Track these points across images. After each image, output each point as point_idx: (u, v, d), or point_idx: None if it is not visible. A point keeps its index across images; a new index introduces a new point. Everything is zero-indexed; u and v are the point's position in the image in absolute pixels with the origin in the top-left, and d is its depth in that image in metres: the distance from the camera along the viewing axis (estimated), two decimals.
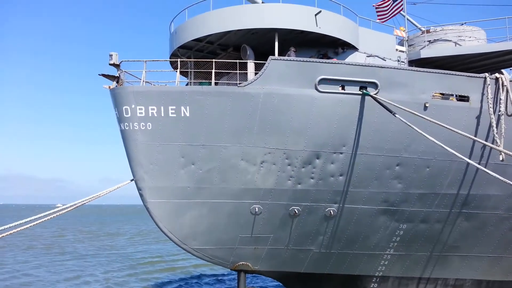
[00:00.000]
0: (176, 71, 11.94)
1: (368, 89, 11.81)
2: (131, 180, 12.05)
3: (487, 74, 12.81)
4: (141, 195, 11.66)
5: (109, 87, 11.52)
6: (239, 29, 12.19)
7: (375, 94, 11.72)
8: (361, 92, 11.77)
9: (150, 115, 11.15)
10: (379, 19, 14.84)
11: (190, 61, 12.97)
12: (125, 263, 27.34)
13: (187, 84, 13.42)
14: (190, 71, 13.18)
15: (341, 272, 13.63)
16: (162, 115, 11.18)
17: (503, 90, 12.80)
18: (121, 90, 11.30)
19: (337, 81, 11.77)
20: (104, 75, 11.53)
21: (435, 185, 12.85)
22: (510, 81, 12.94)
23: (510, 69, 16.75)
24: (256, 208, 12.01)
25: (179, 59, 12.36)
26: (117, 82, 11.51)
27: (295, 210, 12.27)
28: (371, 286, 14.08)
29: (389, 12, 14.68)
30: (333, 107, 11.72)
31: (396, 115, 11.19)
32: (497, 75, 12.96)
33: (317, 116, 11.65)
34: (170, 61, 14.05)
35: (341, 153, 12.03)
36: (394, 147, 12.23)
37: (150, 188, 11.48)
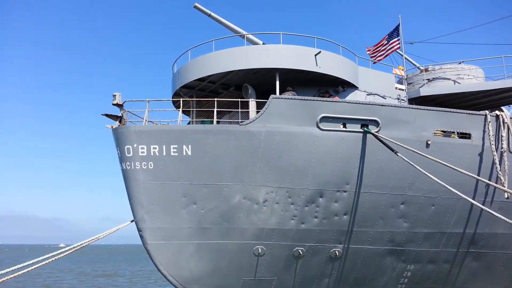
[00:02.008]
0: (179, 110, 12.00)
1: (370, 127, 11.85)
2: (132, 221, 11.81)
3: (487, 112, 12.91)
4: (141, 237, 11.38)
5: (112, 126, 11.54)
6: (241, 69, 12.39)
7: (376, 132, 11.74)
8: (362, 130, 11.78)
9: (152, 154, 11.10)
10: (373, 58, 15.21)
11: (192, 100, 13.08)
12: None
13: (189, 123, 13.47)
14: (192, 110, 13.28)
15: None
16: (164, 154, 11.12)
17: (504, 127, 12.87)
18: (124, 130, 11.31)
19: (338, 119, 11.82)
20: (107, 115, 11.58)
21: (441, 224, 12.60)
22: (510, 118, 13.02)
23: (509, 106, 16.89)
24: (259, 249, 11.68)
25: (181, 99, 12.48)
26: (120, 121, 11.55)
27: (299, 251, 11.93)
28: None
29: (384, 51, 15.03)
30: (335, 145, 11.69)
31: (398, 153, 11.14)
32: (497, 112, 13.08)
33: (319, 154, 11.59)
34: (173, 101, 14.19)
35: (345, 191, 11.87)
36: (398, 185, 12.10)
37: (151, 229, 11.22)
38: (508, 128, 12.86)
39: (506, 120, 12.93)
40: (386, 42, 15.15)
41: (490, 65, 15.80)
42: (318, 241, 12.02)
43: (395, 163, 11.71)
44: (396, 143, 11.32)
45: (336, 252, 12.17)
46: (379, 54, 15.11)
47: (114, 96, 11.40)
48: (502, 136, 12.83)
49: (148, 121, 11.62)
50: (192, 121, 13.16)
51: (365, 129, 11.77)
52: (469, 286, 13.40)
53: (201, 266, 11.48)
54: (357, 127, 11.88)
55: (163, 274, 11.43)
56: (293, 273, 12.12)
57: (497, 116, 12.93)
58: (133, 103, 11.87)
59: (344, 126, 11.87)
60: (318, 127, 11.61)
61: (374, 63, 15.24)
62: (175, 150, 11.11)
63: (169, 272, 11.35)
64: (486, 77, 15.69)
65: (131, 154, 11.13)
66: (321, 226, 11.92)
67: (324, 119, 11.66)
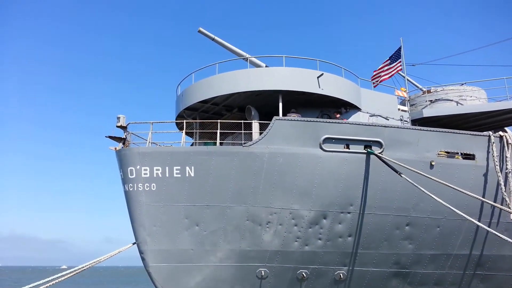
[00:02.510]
0: (182, 132, 12.09)
1: (373, 148, 11.86)
2: (133, 243, 11.74)
3: (491, 132, 12.90)
4: (143, 259, 11.28)
5: (115, 148, 11.62)
6: (244, 91, 12.53)
7: (380, 153, 11.74)
8: (365, 151, 11.79)
9: (154, 175, 11.13)
10: (375, 80, 15.42)
11: (195, 122, 13.19)
12: None
13: (192, 144, 13.55)
14: (196, 132, 13.36)
15: None
16: (167, 175, 11.15)
17: (508, 148, 12.85)
18: (127, 151, 11.38)
19: (341, 140, 11.85)
20: (111, 137, 11.69)
21: (446, 246, 12.43)
22: None
23: None
24: (263, 272, 11.54)
25: (185, 120, 12.58)
26: (123, 143, 11.64)
27: (303, 273, 11.77)
28: None
29: (388, 73, 15.24)
30: (339, 166, 11.68)
31: (401, 174, 11.10)
32: (501, 133, 13.07)
33: (322, 175, 11.58)
34: (176, 123, 14.30)
35: (349, 212, 11.79)
36: (402, 206, 12.01)
37: (153, 251, 11.14)
38: None
39: (510, 141, 12.93)
40: (389, 63, 15.37)
41: (493, 86, 15.83)
42: (322, 264, 11.87)
43: (399, 184, 11.66)
44: (399, 164, 11.30)
45: (341, 274, 12.00)
46: (383, 75, 15.33)
47: (118, 118, 11.54)
48: (506, 156, 12.79)
49: (151, 142, 11.71)
50: (195, 142, 13.23)
51: (369, 150, 11.78)
52: None
53: None
54: (360, 148, 11.89)
55: None
56: None
57: (501, 136, 12.93)
58: (137, 125, 11.99)
59: (347, 147, 11.89)
60: (321, 148, 11.63)
61: (374, 86, 15.45)
62: (178, 171, 11.14)
63: None
64: (489, 98, 15.75)
65: (134, 176, 11.16)
66: (325, 248, 11.80)
67: (327, 140, 11.71)
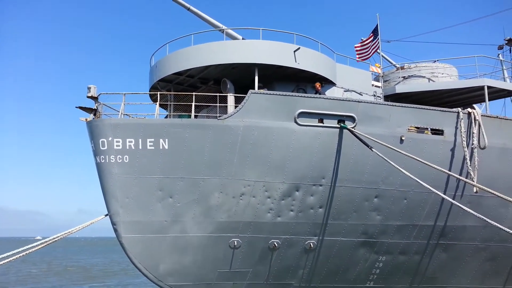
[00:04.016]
0: (156, 104, 11.96)
1: (346, 122, 12.07)
2: (106, 215, 11.78)
3: (460, 109, 13.28)
4: (115, 230, 11.38)
5: (86, 119, 11.43)
6: (220, 63, 12.41)
7: (352, 127, 11.98)
8: (339, 126, 12.01)
9: (127, 147, 11.06)
10: (359, 58, 15.44)
11: (170, 94, 13.05)
12: None
13: (166, 117, 13.44)
14: (170, 104, 13.23)
15: None
16: (140, 147, 11.10)
17: (475, 124, 13.25)
18: (98, 123, 11.23)
19: (316, 115, 12.01)
20: (81, 108, 11.46)
21: (412, 217, 12.99)
22: (481, 115, 13.43)
23: (481, 104, 17.41)
24: (235, 242, 11.84)
25: (159, 92, 12.43)
26: (95, 114, 11.45)
27: (275, 243, 12.15)
28: None
29: (368, 51, 15.30)
30: (312, 140, 11.88)
31: (372, 149, 11.40)
32: (469, 109, 13.45)
33: (296, 149, 11.78)
34: (150, 94, 14.09)
35: (321, 185, 12.11)
36: (372, 179, 12.40)
37: (125, 222, 11.23)
38: (479, 125, 13.24)
39: (477, 118, 13.33)
40: (372, 39, 15.40)
41: (464, 64, 16.23)
42: (293, 234, 12.26)
43: (370, 158, 11.98)
44: (371, 139, 11.57)
45: (311, 244, 12.44)
46: (363, 53, 15.39)
47: (89, 88, 11.29)
48: (473, 132, 13.23)
49: (124, 114, 11.56)
50: (170, 115, 13.13)
51: (342, 124, 12.00)
52: (437, 276, 13.92)
53: (177, 259, 11.58)
54: (334, 123, 12.09)
55: (137, 267, 11.48)
56: (268, 265, 12.36)
57: (469, 113, 13.31)
58: (109, 96, 11.78)
59: (321, 122, 12.07)
60: (296, 122, 11.77)
61: (361, 61, 15.46)
62: (152, 144, 11.11)
63: (143, 266, 11.41)
64: (460, 76, 16.14)
65: (105, 148, 11.07)
66: (297, 219, 12.16)
67: (302, 114, 11.84)
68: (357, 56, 15.49)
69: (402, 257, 13.36)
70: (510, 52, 19.96)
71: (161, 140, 11.14)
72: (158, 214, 11.34)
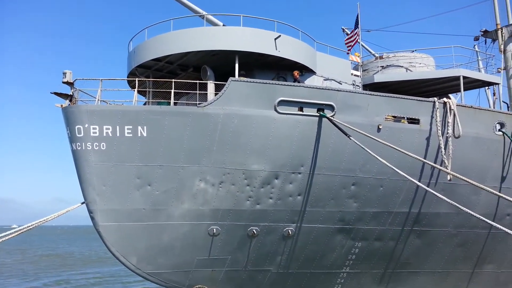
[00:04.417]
0: (134, 91, 11.77)
1: (325, 111, 12.18)
2: (82, 203, 11.62)
3: (436, 99, 13.55)
4: (92, 218, 11.26)
5: (62, 105, 11.16)
6: (200, 50, 12.26)
7: (331, 116, 12.10)
8: (318, 114, 12.11)
9: (104, 134, 10.89)
10: (348, 46, 15.60)
11: (148, 80, 12.84)
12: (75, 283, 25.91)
13: (145, 104, 13.27)
14: (148, 91, 13.06)
15: None
16: (118, 135, 10.94)
17: (450, 114, 13.56)
18: (74, 109, 10.99)
19: (295, 103, 12.06)
20: (56, 94, 11.18)
21: (388, 204, 13.31)
22: (457, 105, 13.76)
23: (457, 94, 17.83)
24: (214, 230, 11.90)
25: (137, 78, 12.23)
26: (70, 100, 11.19)
27: (254, 230, 12.27)
28: None
29: (353, 40, 15.46)
30: (292, 128, 11.95)
31: (350, 137, 11.57)
32: (445, 99, 13.75)
33: (276, 137, 11.83)
34: (128, 80, 13.84)
35: (300, 173, 12.23)
36: (350, 167, 12.60)
37: (102, 210, 11.12)
38: (454, 115, 13.56)
39: (452, 107, 13.63)
40: (354, 28, 15.55)
41: (441, 54, 16.51)
42: (272, 221, 12.40)
43: (348, 146, 12.16)
44: (349, 127, 11.73)
45: (289, 231, 12.62)
46: (350, 42, 15.56)
47: (65, 73, 11.02)
48: (448, 122, 13.53)
49: (100, 100, 11.35)
50: (148, 101, 12.97)
51: (321, 113, 12.10)
52: (411, 261, 14.37)
53: (155, 247, 11.58)
54: (313, 111, 12.18)
55: (115, 255, 11.43)
56: (246, 251, 12.49)
57: (445, 103, 13.60)
58: (85, 81, 11.52)
59: (301, 110, 12.14)
60: (276, 111, 11.80)
61: (349, 51, 15.61)
62: (130, 131, 10.96)
63: (121, 254, 11.36)
64: (437, 66, 16.44)
65: (82, 135, 10.87)
66: (276, 206, 12.29)
67: (282, 102, 11.86)
68: (347, 47, 15.67)
69: (377, 243, 13.71)
70: (486, 44, 20.41)
71: (139, 128, 11.00)
72: (136, 202, 11.26)
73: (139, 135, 11.02)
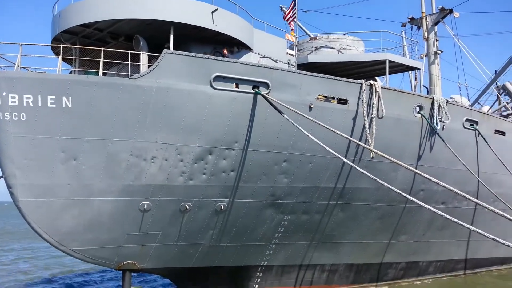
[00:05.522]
0: (58, 58, 10.97)
1: (261, 88, 12.33)
2: (0, 177, 10.80)
3: (363, 81, 14.26)
4: (11, 193, 10.51)
5: None
6: (132, 18, 11.68)
7: (266, 93, 12.27)
8: (253, 91, 12.23)
9: (24, 104, 10.09)
10: (290, 23, 15.74)
11: (75, 47, 12.02)
12: None
13: (70, 73, 12.44)
14: (75, 59, 12.25)
15: (229, 264, 14.11)
16: (40, 105, 10.20)
17: (375, 96, 14.38)
18: None
19: (231, 79, 12.03)
20: None
21: (316, 180, 14.00)
22: (382, 87, 14.63)
23: (383, 77, 18.95)
24: (145, 205, 11.73)
25: (62, 45, 11.37)
26: None
27: (186, 205, 12.30)
28: (256, 275, 14.85)
29: (292, 17, 15.63)
30: (227, 104, 11.97)
31: (284, 115, 11.89)
32: (371, 82, 14.52)
33: (211, 113, 11.79)
34: (52, 46, 12.84)
35: (233, 149, 12.38)
36: (282, 144, 12.99)
37: (23, 185, 10.43)
38: (379, 97, 14.40)
39: (378, 89, 14.43)
40: (293, 5, 15.67)
41: (371, 38, 17.40)
42: (205, 196, 12.51)
43: (281, 124, 12.48)
44: (283, 105, 12.01)
45: (222, 206, 12.85)
46: (290, 18, 15.68)
47: None
48: (373, 103, 14.31)
49: (21, 67, 10.46)
50: (74, 71, 12.18)
51: (256, 90, 12.23)
52: (335, 233, 15.39)
53: (82, 223, 11.17)
54: (249, 88, 12.26)
55: (37, 232, 10.85)
56: (178, 226, 12.53)
57: (371, 85, 14.35)
58: (3, 46, 10.55)
59: (237, 87, 12.16)
60: (212, 86, 11.70)
61: (292, 29, 15.72)
62: (53, 101, 10.26)
63: (44, 230, 10.82)
64: (366, 49, 17.26)
65: None
66: (209, 182, 12.38)
67: (218, 78, 11.77)
68: (288, 23, 15.83)
69: (304, 216, 14.46)
70: (412, 30, 21.77)
71: (64, 98, 10.33)
72: (61, 177, 10.69)
73: (64, 106, 10.36)
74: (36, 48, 10.89)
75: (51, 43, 12.94)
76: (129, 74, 11.01)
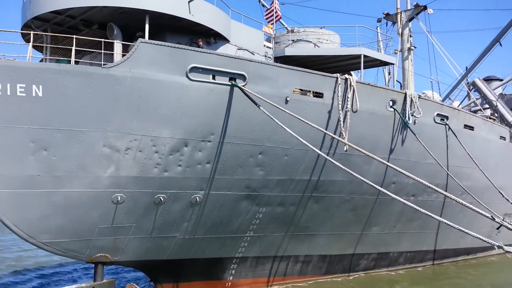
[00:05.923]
0: (29, 45, 10.60)
1: (237, 80, 12.29)
2: None
3: (338, 75, 14.44)
4: None
5: None
6: (106, 5, 11.38)
7: (243, 86, 12.25)
8: (230, 83, 12.18)
9: None
10: (269, 22, 15.69)
11: (46, 34, 11.62)
12: None
13: (41, 61, 12.04)
14: (46, 46, 11.85)
15: (204, 256, 14.13)
16: (8, 93, 9.84)
17: (350, 90, 14.59)
18: None
19: (208, 71, 11.93)
20: None
21: (291, 172, 14.14)
22: (356, 82, 14.86)
23: (358, 71, 19.24)
24: (118, 197, 11.55)
25: (32, 32, 10.98)
26: None
27: (161, 197, 12.19)
28: (231, 267, 14.94)
29: (272, 15, 15.60)
30: (203, 96, 11.89)
31: (260, 107, 11.92)
32: (347, 76, 14.72)
33: (187, 104, 11.68)
34: (22, 33, 12.38)
35: (209, 141, 12.33)
36: (258, 136, 13.02)
37: None
38: (354, 91, 14.62)
39: (352, 84, 14.64)
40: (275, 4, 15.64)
41: (347, 32, 17.62)
42: (180, 188, 12.43)
43: (257, 116, 12.50)
44: (259, 97, 12.03)
45: (197, 198, 12.81)
46: (271, 16, 15.63)
47: None
48: (348, 97, 14.52)
49: None
50: (45, 58, 11.79)
51: (233, 82, 12.18)
52: (309, 225, 15.63)
53: (52, 215, 10.91)
54: (225, 80, 12.20)
55: (5, 224, 10.53)
56: (153, 219, 12.42)
57: (346, 79, 14.54)
58: None
59: (214, 78, 12.07)
60: (188, 77, 11.58)
61: (270, 24, 15.66)
62: (23, 90, 9.91)
63: (13, 223, 10.52)
64: (342, 43, 17.46)
65: None
66: (184, 174, 12.31)
67: (194, 69, 11.65)
68: (267, 21, 15.77)
69: (279, 208, 14.60)
70: (387, 26, 22.15)
71: (34, 87, 10.00)
72: (30, 168, 10.38)
73: (34, 95, 10.04)
74: (5, 34, 10.45)
75: (21, 30, 12.47)
76: (103, 63, 10.76)
